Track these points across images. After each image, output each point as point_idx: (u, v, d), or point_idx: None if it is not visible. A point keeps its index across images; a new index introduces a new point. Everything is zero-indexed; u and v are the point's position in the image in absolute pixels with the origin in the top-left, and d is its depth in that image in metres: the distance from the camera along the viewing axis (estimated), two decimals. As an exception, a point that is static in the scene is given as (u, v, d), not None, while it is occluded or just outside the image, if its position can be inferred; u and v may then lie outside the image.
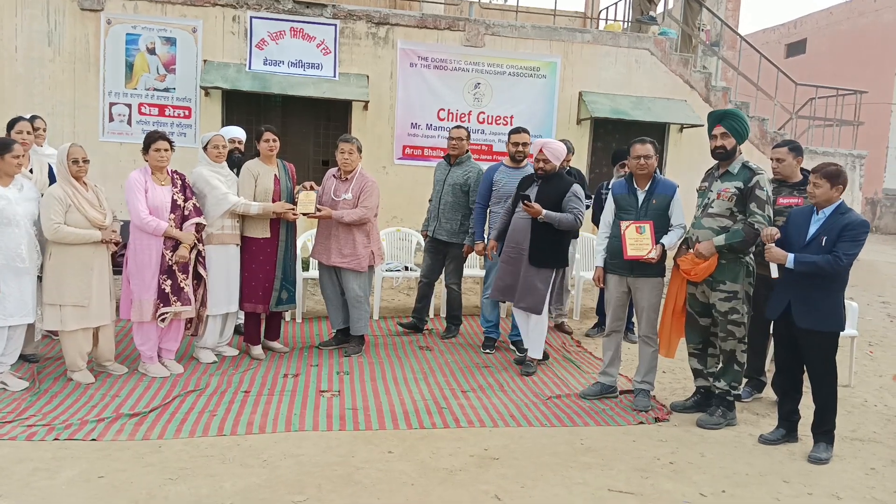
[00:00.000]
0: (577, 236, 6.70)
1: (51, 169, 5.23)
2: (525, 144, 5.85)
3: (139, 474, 3.46)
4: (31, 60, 8.54)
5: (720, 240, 4.35)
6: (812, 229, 4.11)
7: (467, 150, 6.23)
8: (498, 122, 9.72)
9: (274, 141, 5.36)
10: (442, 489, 3.47)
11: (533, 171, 5.45)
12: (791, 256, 4.05)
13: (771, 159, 4.99)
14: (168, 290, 4.82)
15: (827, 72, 19.55)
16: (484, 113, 9.72)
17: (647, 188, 4.73)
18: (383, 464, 3.72)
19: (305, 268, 6.60)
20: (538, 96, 9.80)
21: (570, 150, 6.44)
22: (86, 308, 4.62)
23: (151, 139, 4.85)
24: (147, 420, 4.14)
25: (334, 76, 9.19)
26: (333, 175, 5.62)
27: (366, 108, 9.29)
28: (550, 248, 5.23)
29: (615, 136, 9.94)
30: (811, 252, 4.05)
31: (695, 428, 4.47)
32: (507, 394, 4.93)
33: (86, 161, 4.66)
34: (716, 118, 4.52)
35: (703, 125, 9.95)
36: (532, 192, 5.29)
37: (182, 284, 4.87)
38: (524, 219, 5.25)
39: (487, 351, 5.92)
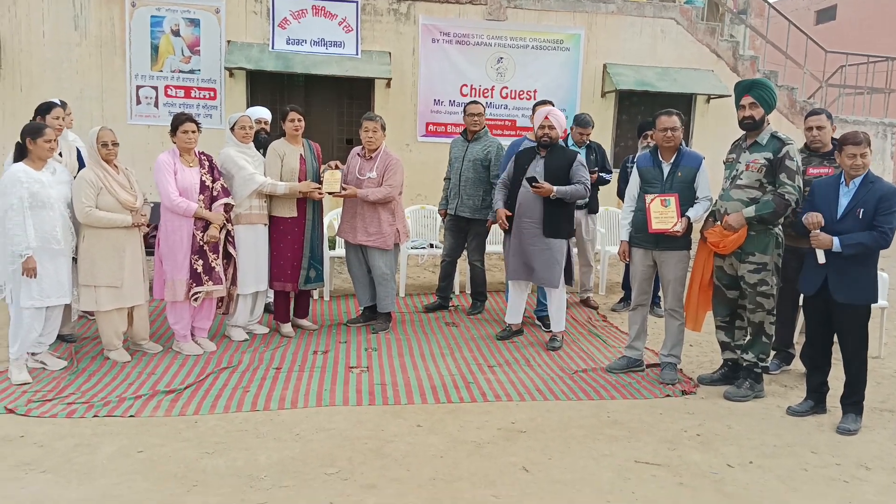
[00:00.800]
0: (596, 210, 6.67)
1: (79, 152, 5.33)
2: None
3: (177, 449, 3.57)
4: (58, 45, 8.66)
5: (750, 211, 4.32)
6: (843, 202, 4.05)
7: (485, 125, 6.22)
8: (521, 96, 9.67)
9: (299, 121, 5.40)
10: (470, 461, 3.53)
11: (533, 143, 5.43)
12: (836, 240, 3.98)
13: (809, 128, 4.86)
14: (200, 269, 4.92)
15: (857, 39, 19.02)
16: (507, 87, 9.67)
17: (672, 160, 4.69)
18: (412, 437, 3.79)
19: (332, 246, 6.67)
20: (562, 69, 9.72)
21: (590, 124, 6.38)
22: (119, 289, 4.73)
23: (179, 121, 4.92)
24: (182, 396, 4.25)
25: (357, 54, 9.20)
26: (358, 154, 5.65)
27: (388, 85, 9.29)
28: (563, 218, 5.27)
29: (640, 109, 9.84)
30: (847, 226, 3.99)
31: (722, 400, 4.48)
32: (532, 368, 4.98)
33: (115, 144, 4.74)
34: (744, 88, 4.46)
35: (730, 96, 9.79)
36: (538, 164, 5.28)
37: (213, 264, 4.96)
38: (532, 193, 5.22)
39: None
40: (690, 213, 4.60)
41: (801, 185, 4.33)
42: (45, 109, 5.15)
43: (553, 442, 3.79)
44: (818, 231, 4.06)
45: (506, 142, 6.26)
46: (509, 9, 9.53)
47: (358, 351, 5.23)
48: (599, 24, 9.79)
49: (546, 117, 5.24)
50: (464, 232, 6.29)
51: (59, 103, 5.32)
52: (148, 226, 4.95)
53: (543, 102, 5.92)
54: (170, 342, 5.18)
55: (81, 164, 5.22)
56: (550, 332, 5.55)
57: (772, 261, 4.41)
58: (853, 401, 4.14)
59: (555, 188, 5.12)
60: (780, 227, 4.44)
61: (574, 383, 4.70)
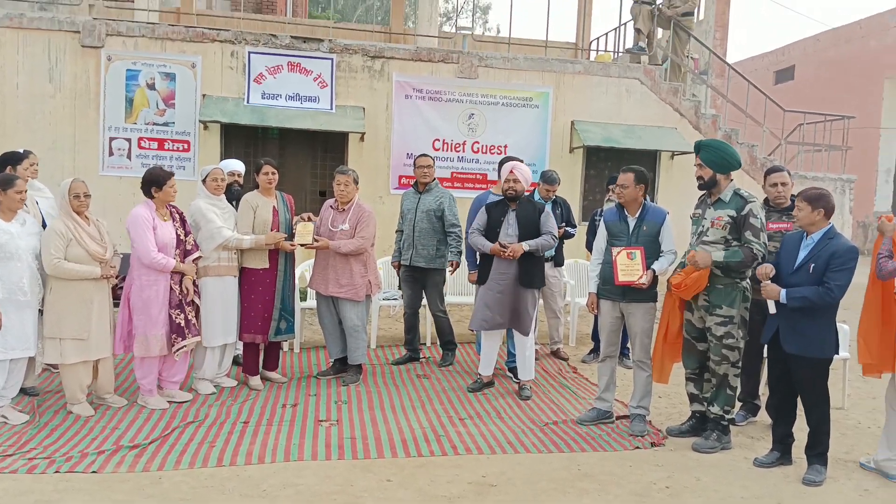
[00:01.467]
0: (562, 263, 6.79)
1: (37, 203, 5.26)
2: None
3: (140, 505, 3.50)
4: (32, 97, 8.69)
5: (719, 255, 4.42)
6: (801, 255, 4.17)
7: (434, 178, 6.40)
8: (492, 151, 9.86)
9: (273, 174, 5.47)
10: (440, 516, 3.50)
11: (498, 197, 5.62)
12: (783, 292, 4.10)
13: (774, 184, 5.01)
14: (182, 323, 4.91)
15: (815, 98, 19.83)
16: (478, 142, 9.87)
17: (637, 215, 4.83)
18: (382, 492, 3.76)
19: (303, 298, 6.66)
20: (531, 126, 9.97)
21: (556, 181, 6.52)
22: (85, 341, 4.66)
23: (165, 177, 4.92)
24: (147, 452, 4.17)
25: (331, 108, 9.35)
26: (331, 206, 5.72)
27: (362, 139, 9.43)
28: (538, 268, 5.45)
29: (608, 164, 10.10)
30: (799, 278, 4.11)
31: (690, 452, 4.52)
32: (504, 420, 4.98)
33: (87, 195, 4.74)
34: (695, 149, 4.64)
35: (692, 152, 10.14)
36: (510, 217, 5.43)
37: (190, 317, 4.95)
38: (511, 243, 5.34)
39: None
40: (655, 265, 4.72)
41: (766, 242, 4.47)
42: (16, 159, 5.14)
43: (523, 496, 3.78)
44: (767, 282, 4.20)
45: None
46: (480, 67, 9.81)
47: (328, 404, 5.19)
48: (567, 83, 10.10)
49: (511, 171, 5.43)
50: (419, 282, 6.36)
51: (23, 153, 5.31)
52: (116, 277, 4.92)
53: (509, 159, 6.07)
54: (134, 396, 5.10)
55: (42, 216, 5.15)
56: (519, 381, 5.58)
57: (738, 314, 4.50)
58: (817, 452, 4.20)
59: (524, 244, 5.25)
60: (747, 280, 4.55)
61: (545, 435, 4.70)
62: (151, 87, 8.94)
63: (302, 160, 9.53)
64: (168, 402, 5.00)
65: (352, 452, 4.29)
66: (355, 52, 9.48)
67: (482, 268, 5.51)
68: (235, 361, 5.83)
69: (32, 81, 8.69)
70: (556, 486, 3.92)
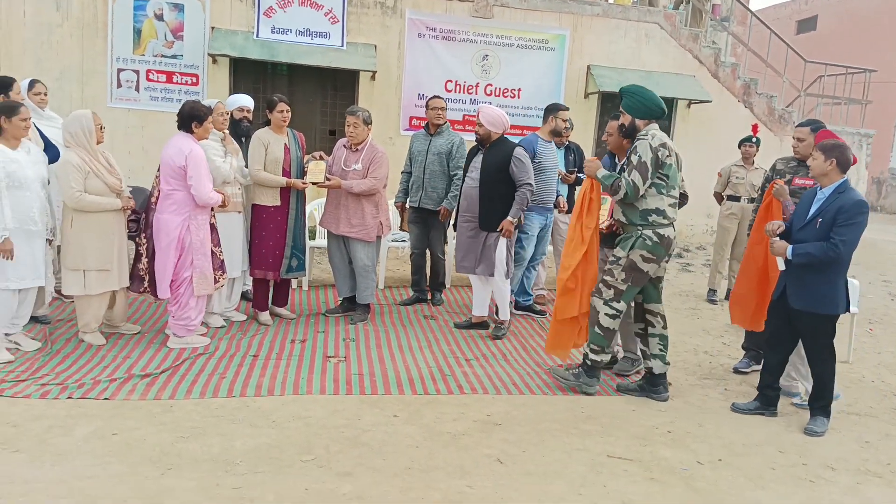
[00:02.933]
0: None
1: (36, 128, 5.16)
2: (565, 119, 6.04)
3: (152, 432, 3.56)
4: (39, 25, 8.53)
5: (602, 173, 4.39)
6: (812, 209, 4.11)
7: (446, 120, 6.33)
8: (505, 94, 9.71)
9: (287, 112, 5.40)
10: (446, 452, 3.56)
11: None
12: (790, 248, 4.07)
13: (792, 138, 4.99)
14: (222, 258, 4.97)
15: (837, 50, 19.37)
16: (492, 85, 9.71)
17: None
18: (389, 427, 3.82)
19: (312, 237, 6.66)
20: (546, 69, 9.78)
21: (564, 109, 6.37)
22: (109, 272, 4.71)
23: (207, 113, 4.81)
24: (158, 381, 4.24)
25: (342, 45, 9.17)
26: (343, 145, 5.66)
27: (373, 78, 9.28)
28: (499, 213, 5.33)
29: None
30: (806, 234, 4.06)
31: (694, 399, 4.56)
32: (509, 363, 5.02)
33: (103, 128, 4.72)
34: (619, 97, 4.52)
35: (710, 101, 9.96)
36: (478, 160, 5.45)
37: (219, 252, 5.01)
38: (473, 187, 5.40)
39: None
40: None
41: (638, 181, 4.21)
42: (6, 85, 5.01)
43: (528, 435, 3.84)
44: (775, 238, 4.18)
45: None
46: (496, 7, 9.57)
47: (336, 341, 5.24)
48: (584, 25, 9.86)
49: (477, 113, 5.48)
50: (427, 224, 6.33)
51: (29, 83, 5.23)
52: (135, 211, 4.91)
53: (556, 107, 6.04)
54: (146, 328, 5.15)
55: (45, 140, 5.04)
56: (496, 320, 5.66)
57: (627, 258, 4.32)
58: (820, 405, 4.23)
59: (508, 218, 5.26)
60: (650, 230, 4.32)
61: (549, 378, 4.75)
62: (160, 17, 8.77)
63: (312, 98, 9.40)
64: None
65: (359, 388, 4.35)
66: (368, -14, 9.25)
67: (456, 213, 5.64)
68: (245, 297, 5.87)
69: (39, 10, 8.52)
70: (559, 426, 3.98)
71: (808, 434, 4.13)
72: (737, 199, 7.25)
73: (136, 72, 8.80)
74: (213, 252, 4.89)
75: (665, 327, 4.56)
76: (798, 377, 4.66)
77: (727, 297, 7.36)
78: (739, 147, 7.36)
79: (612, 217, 4.61)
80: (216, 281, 4.93)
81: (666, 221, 4.33)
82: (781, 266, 4.18)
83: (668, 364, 4.54)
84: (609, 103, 9.97)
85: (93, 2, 8.61)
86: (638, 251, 4.31)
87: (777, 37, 11.17)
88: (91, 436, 3.49)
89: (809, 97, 12.37)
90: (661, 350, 4.51)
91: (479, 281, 5.60)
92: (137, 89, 8.82)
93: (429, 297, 6.58)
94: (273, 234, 5.37)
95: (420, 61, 9.47)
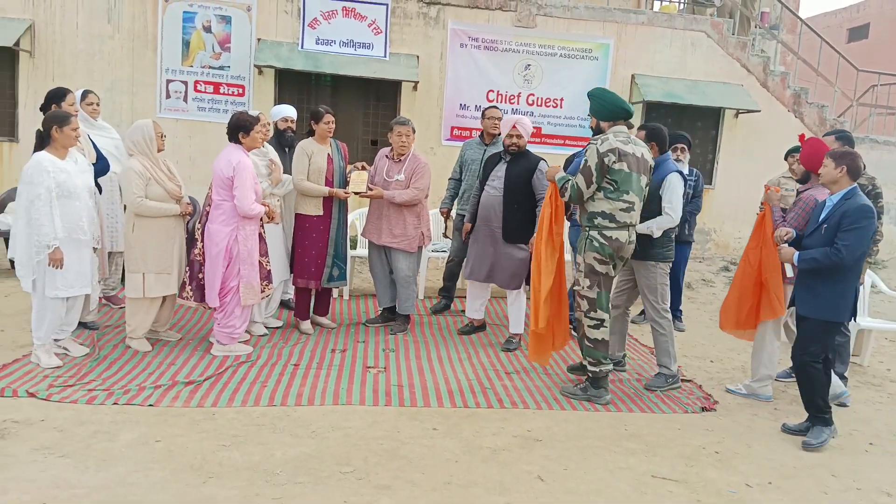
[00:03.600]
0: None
1: (90, 139, 5.27)
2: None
3: (194, 440, 3.59)
4: (91, 37, 8.77)
5: (561, 174, 4.53)
6: (823, 216, 4.10)
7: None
8: (548, 104, 9.64)
9: (332, 123, 5.43)
10: (485, 467, 3.51)
11: (502, 149, 5.59)
12: (796, 255, 4.10)
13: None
14: (269, 268, 5.02)
15: (890, 58, 18.78)
16: (533, 95, 9.65)
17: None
18: (428, 440, 3.78)
19: (353, 246, 6.68)
20: (589, 78, 9.67)
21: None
22: (169, 275, 4.82)
23: (253, 122, 4.86)
24: (201, 388, 4.28)
25: (385, 56, 9.22)
26: (386, 155, 5.66)
27: (415, 88, 9.30)
28: (523, 224, 5.33)
29: (668, 121, 9.75)
30: (813, 240, 4.07)
31: (742, 419, 4.43)
32: (550, 377, 4.95)
33: (164, 136, 4.85)
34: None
35: (759, 111, 9.74)
36: (501, 169, 5.42)
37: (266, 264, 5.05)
38: (496, 196, 5.37)
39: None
40: (642, 225, 4.62)
41: (580, 184, 4.35)
42: (60, 96, 5.12)
43: (569, 452, 3.76)
44: (784, 245, 4.23)
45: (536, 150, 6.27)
46: (539, 16, 9.52)
47: (376, 351, 5.23)
48: (629, 34, 9.74)
49: (514, 126, 5.39)
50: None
51: (82, 94, 5.35)
52: (191, 214, 5.00)
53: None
54: (188, 336, 5.22)
55: (97, 151, 5.19)
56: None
57: (584, 262, 4.43)
58: (814, 413, 4.14)
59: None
60: (597, 231, 4.38)
61: (592, 394, 4.66)
62: (208, 29, 8.94)
63: (354, 108, 9.46)
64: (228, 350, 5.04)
65: (399, 400, 4.33)
66: (411, -3, 9.29)
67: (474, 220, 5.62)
68: (287, 305, 5.91)
69: (91, 21, 8.76)
70: (602, 444, 3.89)
71: (805, 448, 4.01)
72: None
73: (185, 83, 8.98)
74: (259, 262, 4.94)
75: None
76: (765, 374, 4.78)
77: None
78: (786, 158, 7.18)
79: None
80: (262, 290, 4.97)
81: (613, 225, 4.37)
82: (789, 273, 4.25)
83: (612, 366, 4.63)
84: (654, 113, 9.82)
85: (143, 14, 8.83)
86: (590, 253, 4.42)
87: (828, 45, 10.88)
88: (135, 442, 3.53)
89: (862, 107, 12.01)
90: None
91: (476, 287, 5.69)
92: (185, 100, 8.99)
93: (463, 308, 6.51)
94: (316, 243, 5.40)
95: (462, 71, 9.46)
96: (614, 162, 4.29)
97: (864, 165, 4.20)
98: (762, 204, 4.71)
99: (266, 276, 5.00)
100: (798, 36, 11.60)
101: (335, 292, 6.42)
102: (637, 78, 9.65)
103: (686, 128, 9.32)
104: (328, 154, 5.45)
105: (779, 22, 11.88)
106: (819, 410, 4.11)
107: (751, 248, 4.75)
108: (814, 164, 4.44)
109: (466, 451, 3.69)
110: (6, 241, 5.87)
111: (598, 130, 4.50)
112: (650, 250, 4.71)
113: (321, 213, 5.40)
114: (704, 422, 4.34)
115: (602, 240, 4.37)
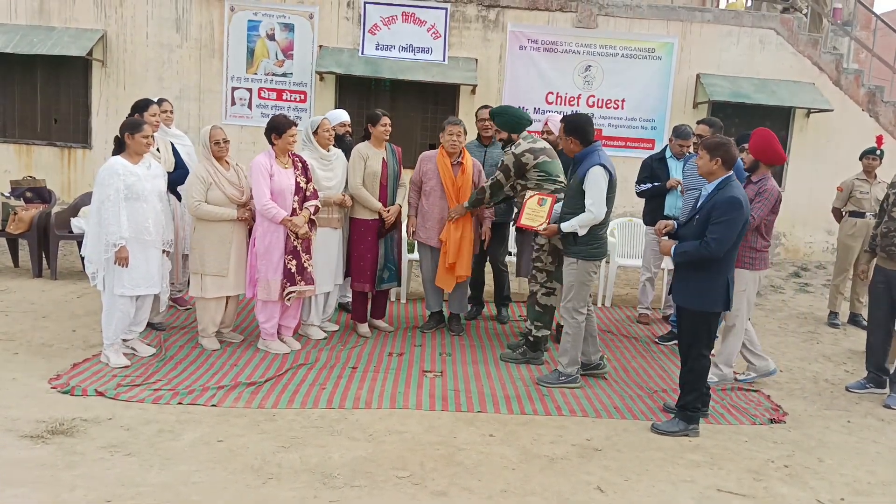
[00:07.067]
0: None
1: (173, 147, 5.50)
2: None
3: (255, 440, 3.65)
4: (160, 46, 9.09)
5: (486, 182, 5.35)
6: (699, 205, 4.06)
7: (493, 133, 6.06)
8: (609, 105, 9.49)
9: (389, 126, 5.46)
10: (543, 476, 3.46)
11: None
12: (674, 247, 4.07)
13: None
14: (294, 269, 4.99)
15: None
16: (594, 96, 9.51)
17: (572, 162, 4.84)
18: (484, 447, 3.75)
19: (410, 250, 6.70)
20: (652, 79, 9.48)
21: (690, 136, 6.06)
22: (224, 278, 4.94)
23: (286, 125, 4.95)
24: (262, 389, 4.35)
25: (443, 60, 9.24)
26: (448, 158, 5.56)
27: (473, 91, 9.29)
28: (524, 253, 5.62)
29: (734, 121, 9.46)
30: (686, 231, 4.07)
31: (812, 432, 4.24)
32: (610, 384, 4.84)
33: (226, 141, 4.96)
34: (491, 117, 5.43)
35: (831, 110, 9.35)
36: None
37: (306, 265, 5.04)
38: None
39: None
40: (565, 223, 4.58)
41: (499, 178, 5.16)
42: (142, 107, 5.37)
43: (630, 463, 3.67)
44: (663, 238, 4.20)
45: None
46: (600, 16, 9.37)
47: (432, 355, 5.23)
48: (694, 32, 9.49)
49: (546, 122, 5.87)
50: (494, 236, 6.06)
51: (157, 101, 5.54)
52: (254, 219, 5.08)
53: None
54: (251, 337, 5.32)
55: (178, 160, 5.42)
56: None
57: (548, 244, 4.90)
58: (680, 404, 4.11)
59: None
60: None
61: (654, 403, 4.54)
62: (271, 37, 9.14)
63: (412, 112, 9.52)
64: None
65: (455, 405, 4.31)
66: (470, 1, 9.28)
67: None
68: (345, 308, 5.96)
69: (161, 31, 9.07)
70: (664, 455, 3.78)
71: (653, 431, 4.06)
72: (861, 214, 6.75)
73: (249, 90, 9.21)
74: (284, 262, 4.94)
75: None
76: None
77: (850, 321, 6.87)
78: (861, 159, 6.90)
79: (550, 220, 4.74)
80: (282, 290, 4.96)
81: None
82: (670, 265, 4.24)
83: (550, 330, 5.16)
84: (721, 113, 9.51)
85: (210, 23, 9.09)
86: (557, 236, 4.74)
87: (907, 40, 10.37)
88: (198, 441, 3.61)
89: (944, 104, 11.37)
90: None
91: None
92: (250, 107, 9.22)
93: (496, 312, 6.43)
94: (371, 247, 5.43)
95: (521, 74, 9.40)
96: (534, 159, 5.00)
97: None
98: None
99: (287, 276, 4.94)
100: (873, 32, 11.08)
101: (392, 295, 6.44)
102: (702, 77, 9.40)
103: (754, 129, 9.01)
104: (383, 158, 5.48)
105: (852, 18, 11.37)
106: (686, 403, 4.08)
107: None
108: (767, 155, 4.68)
109: (524, 459, 3.64)
110: (79, 243, 6.13)
111: (509, 141, 5.18)
112: (572, 247, 4.61)
113: (377, 217, 5.42)
114: (773, 434, 4.17)
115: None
